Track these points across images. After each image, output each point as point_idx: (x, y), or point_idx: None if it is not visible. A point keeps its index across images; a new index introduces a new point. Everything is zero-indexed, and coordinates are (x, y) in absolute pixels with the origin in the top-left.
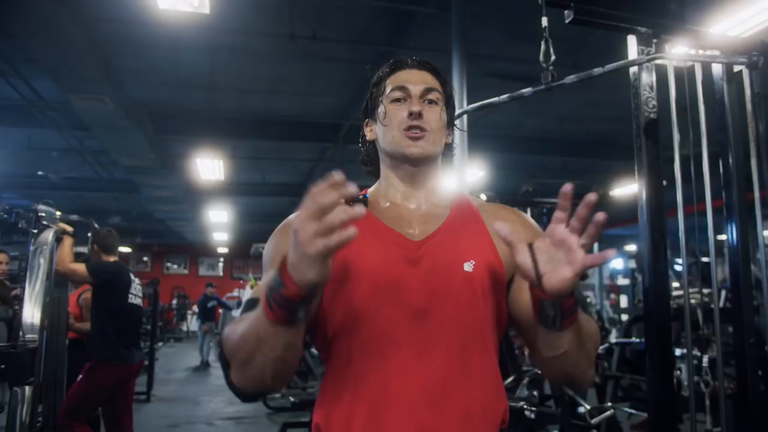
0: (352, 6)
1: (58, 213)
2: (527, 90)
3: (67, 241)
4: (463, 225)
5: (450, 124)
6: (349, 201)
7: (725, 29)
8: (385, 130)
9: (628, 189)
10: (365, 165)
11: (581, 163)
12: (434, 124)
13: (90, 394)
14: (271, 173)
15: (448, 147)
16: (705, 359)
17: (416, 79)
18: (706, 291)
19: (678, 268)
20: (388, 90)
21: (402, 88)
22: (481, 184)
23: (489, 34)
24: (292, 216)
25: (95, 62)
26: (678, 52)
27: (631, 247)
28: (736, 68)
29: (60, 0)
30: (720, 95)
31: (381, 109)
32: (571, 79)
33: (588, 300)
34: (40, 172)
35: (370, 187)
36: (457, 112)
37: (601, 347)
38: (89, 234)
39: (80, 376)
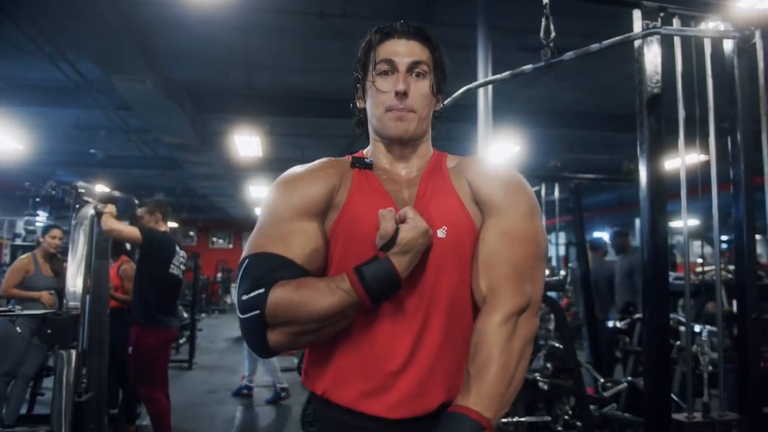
0: None
1: (101, 189)
2: (528, 67)
3: (109, 209)
4: (434, 189)
5: (439, 92)
6: (356, 165)
7: (744, 3)
8: (371, 105)
9: (671, 163)
10: (358, 128)
11: (620, 138)
12: (421, 100)
13: (145, 357)
14: (309, 149)
15: (438, 113)
16: (704, 333)
17: (404, 51)
18: (731, 267)
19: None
20: (375, 61)
21: (389, 62)
22: (516, 159)
23: (519, 7)
24: (296, 169)
25: (134, 44)
26: (685, 25)
27: (675, 224)
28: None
29: None
30: (730, 68)
31: (369, 82)
32: (569, 55)
33: None
34: (92, 150)
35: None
36: (461, 90)
37: (623, 322)
38: (146, 203)
39: (130, 348)
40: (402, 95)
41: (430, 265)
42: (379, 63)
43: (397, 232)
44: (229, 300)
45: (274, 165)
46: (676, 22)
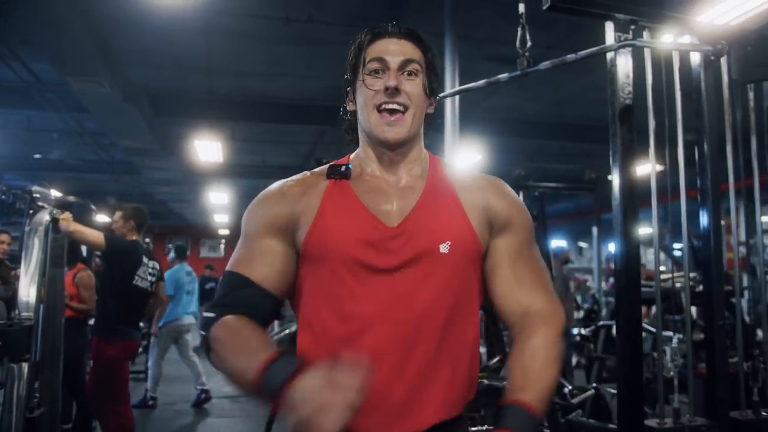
0: None
1: (55, 194)
2: (503, 75)
3: (65, 216)
4: (437, 201)
5: (432, 93)
6: (331, 175)
7: (711, 17)
8: (361, 105)
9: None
10: (347, 133)
11: (580, 148)
12: (414, 98)
13: (106, 369)
14: (270, 155)
15: (431, 116)
16: (675, 340)
17: (395, 50)
18: (692, 275)
19: (675, 253)
20: (365, 61)
21: (379, 60)
22: (478, 167)
23: (484, 17)
24: (271, 187)
25: (92, 44)
26: (654, 38)
27: None
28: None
29: None
30: (697, 81)
31: (359, 81)
32: (545, 65)
33: (587, 284)
34: (38, 155)
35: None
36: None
37: (587, 329)
38: (123, 208)
39: (91, 362)
40: (393, 91)
41: (431, 280)
42: (370, 62)
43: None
44: None
45: (234, 171)
46: (646, 35)
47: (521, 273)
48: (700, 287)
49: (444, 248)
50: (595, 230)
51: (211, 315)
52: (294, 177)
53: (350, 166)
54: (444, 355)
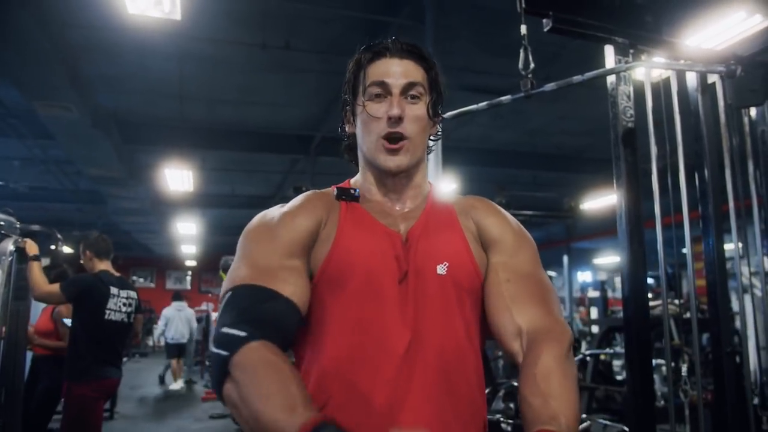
0: (325, 16)
1: (19, 224)
2: (506, 98)
3: (35, 265)
4: (437, 224)
5: (435, 114)
6: (342, 197)
7: (699, 42)
8: (362, 132)
9: (597, 202)
10: (347, 154)
11: (551, 177)
12: (416, 126)
13: (76, 412)
14: (240, 185)
15: (435, 137)
16: (684, 369)
17: (397, 72)
18: (677, 302)
19: (649, 280)
20: (366, 83)
21: (381, 84)
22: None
23: (462, 46)
24: (274, 207)
25: (61, 68)
26: (656, 61)
27: (599, 261)
28: (710, 79)
29: (25, 3)
30: (695, 106)
31: (359, 107)
32: (550, 86)
33: None
34: (0, 182)
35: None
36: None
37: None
38: (81, 241)
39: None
40: (396, 120)
41: (427, 301)
42: (371, 86)
43: None
44: (150, 342)
45: (203, 200)
46: (644, 59)
47: (516, 291)
48: (687, 314)
49: (441, 269)
50: (565, 259)
51: (241, 333)
52: (304, 195)
53: (358, 191)
54: (445, 382)
